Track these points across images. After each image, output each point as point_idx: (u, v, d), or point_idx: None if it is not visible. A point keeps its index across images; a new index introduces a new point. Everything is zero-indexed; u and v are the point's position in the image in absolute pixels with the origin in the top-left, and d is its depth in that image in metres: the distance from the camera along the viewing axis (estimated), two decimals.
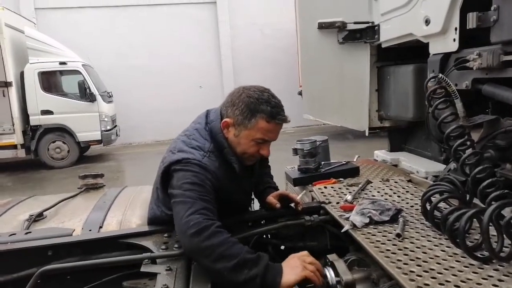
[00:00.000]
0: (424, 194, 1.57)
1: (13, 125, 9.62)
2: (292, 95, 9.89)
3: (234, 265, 1.35)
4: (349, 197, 1.85)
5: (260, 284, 1.35)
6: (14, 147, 9.84)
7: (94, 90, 10.18)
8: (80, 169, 9.60)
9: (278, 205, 1.85)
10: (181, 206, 1.49)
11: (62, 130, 10.15)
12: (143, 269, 1.46)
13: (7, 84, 9.40)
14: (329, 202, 1.89)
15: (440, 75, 1.79)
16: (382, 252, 1.35)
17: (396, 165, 2.68)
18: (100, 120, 10.28)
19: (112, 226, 1.98)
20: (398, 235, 1.45)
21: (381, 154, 2.97)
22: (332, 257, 1.47)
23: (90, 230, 1.91)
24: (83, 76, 10.07)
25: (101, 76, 11.40)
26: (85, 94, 10.07)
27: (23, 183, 9.06)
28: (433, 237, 1.44)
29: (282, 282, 1.36)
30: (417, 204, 1.79)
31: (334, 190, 2.03)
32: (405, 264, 1.25)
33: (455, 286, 1.11)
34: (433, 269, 1.21)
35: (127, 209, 2.15)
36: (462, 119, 1.74)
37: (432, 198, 1.56)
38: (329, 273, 1.40)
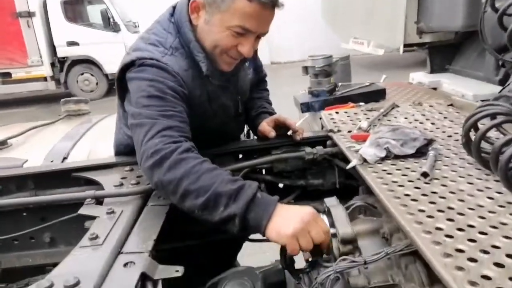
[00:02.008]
0: (469, 118, 1.10)
1: (40, 57, 9.51)
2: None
3: (204, 201, 1.02)
4: (364, 124, 1.41)
5: (240, 226, 1.01)
6: (44, 79, 9.83)
7: (118, 19, 9.76)
8: (110, 102, 9.52)
9: (272, 134, 1.46)
10: (139, 130, 1.14)
11: (89, 62, 9.95)
12: (82, 211, 1.15)
13: (30, 14, 9.15)
14: (339, 131, 1.46)
15: None
16: (398, 198, 0.94)
17: (435, 89, 2.16)
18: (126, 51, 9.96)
19: (79, 157, 1.67)
20: (424, 175, 1.02)
21: (418, 76, 2.44)
22: (330, 201, 1.08)
23: (52, 161, 1.62)
24: (106, 5, 9.62)
25: (127, 5, 10.88)
26: (109, 23, 9.68)
27: (56, 114, 9.13)
28: (477, 178, 1.00)
29: (267, 229, 0.99)
30: (457, 133, 1.32)
31: (348, 116, 1.59)
32: (429, 217, 0.84)
33: (507, 255, 0.70)
34: (472, 226, 0.79)
35: (101, 139, 1.83)
36: None
37: (480, 125, 1.10)
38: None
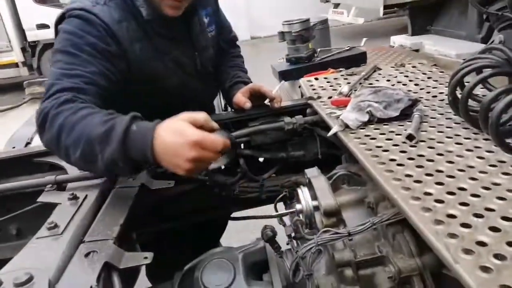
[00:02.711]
0: (454, 75, 1.03)
1: (9, 41, 9.08)
2: None
3: (81, 154, 0.93)
4: (345, 89, 1.33)
5: (128, 167, 0.93)
6: (16, 65, 9.43)
7: None
8: None
9: (247, 104, 1.36)
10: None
11: None
12: (41, 198, 1.05)
13: None
14: (319, 97, 1.37)
15: None
16: (383, 163, 0.86)
17: (417, 50, 2.09)
18: None
19: None
20: (410, 137, 0.95)
21: (399, 39, 2.35)
22: (311, 172, 1.01)
23: (13, 147, 1.51)
24: None
25: None
26: None
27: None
28: (465, 138, 0.93)
29: (159, 161, 0.90)
30: (442, 93, 1.25)
31: (328, 82, 1.50)
32: (417, 182, 0.77)
33: (502, 218, 0.64)
34: (463, 189, 0.73)
35: None
36: None
37: (466, 83, 1.02)
38: (303, 196, 0.95)
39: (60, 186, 1.08)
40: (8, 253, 1.39)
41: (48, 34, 9.33)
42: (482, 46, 1.78)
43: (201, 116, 0.93)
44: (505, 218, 0.63)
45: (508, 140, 0.84)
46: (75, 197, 0.99)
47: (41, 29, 9.30)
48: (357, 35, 9.69)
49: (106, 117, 0.95)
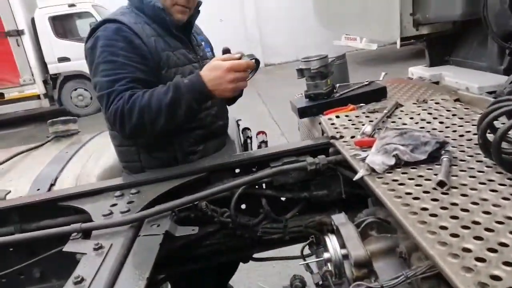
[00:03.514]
0: (484, 117, 1.00)
1: (32, 75, 9.40)
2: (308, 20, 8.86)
3: (165, 117, 1.31)
4: (368, 128, 1.31)
5: (199, 103, 1.35)
6: (37, 97, 9.72)
7: None
8: None
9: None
10: (101, 102, 1.35)
11: (82, 77, 9.80)
12: (67, 248, 1.04)
13: (19, 33, 9.04)
14: (341, 137, 1.36)
15: None
16: (415, 213, 0.83)
17: (437, 83, 2.06)
18: None
19: (67, 182, 1.58)
20: (441, 184, 0.92)
21: (418, 70, 2.34)
22: (338, 218, 0.99)
23: (38, 189, 1.52)
24: (95, 18, 9.51)
25: None
26: None
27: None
28: (500, 184, 0.90)
29: (214, 94, 1.32)
30: (470, 131, 1.22)
31: (350, 120, 1.49)
32: (454, 236, 0.74)
33: None
34: (505, 245, 0.69)
35: (91, 159, 1.73)
36: None
37: (497, 124, 1.00)
38: (332, 244, 0.92)
39: (85, 234, 1.08)
40: None
41: (68, 67, 9.68)
42: (504, 78, 1.76)
43: (224, 55, 1.34)
44: None
45: None
46: (100, 247, 0.98)
47: (62, 62, 9.65)
48: (372, 61, 9.75)
49: (164, 87, 1.32)
